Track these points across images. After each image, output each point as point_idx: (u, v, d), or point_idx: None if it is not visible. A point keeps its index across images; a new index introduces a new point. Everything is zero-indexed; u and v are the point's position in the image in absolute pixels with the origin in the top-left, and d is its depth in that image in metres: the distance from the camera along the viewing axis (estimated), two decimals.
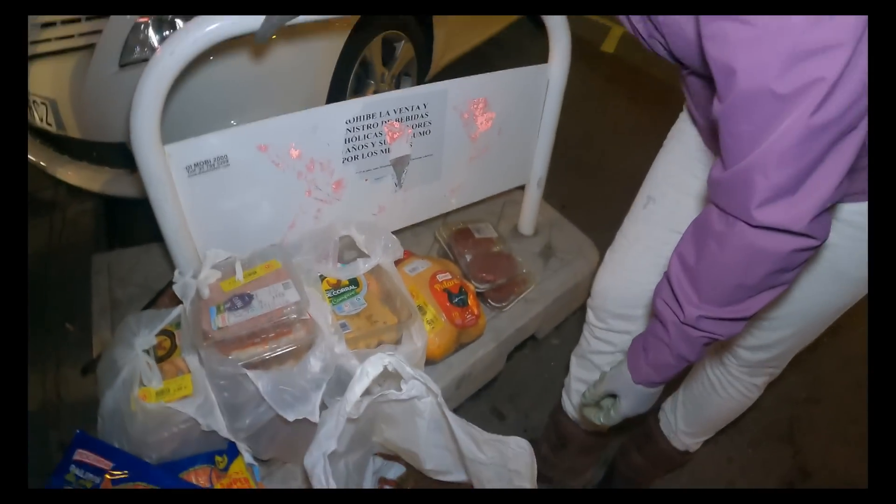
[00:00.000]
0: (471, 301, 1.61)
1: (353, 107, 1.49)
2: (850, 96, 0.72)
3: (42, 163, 2.15)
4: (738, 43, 0.71)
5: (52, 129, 2.02)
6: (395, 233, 1.66)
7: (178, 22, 1.78)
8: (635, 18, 1.02)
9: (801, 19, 0.68)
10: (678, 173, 1.26)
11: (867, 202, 0.98)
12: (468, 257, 1.85)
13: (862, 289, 1.12)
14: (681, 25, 0.88)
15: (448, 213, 1.99)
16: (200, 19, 1.15)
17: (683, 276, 0.90)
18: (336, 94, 2.19)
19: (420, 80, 2.83)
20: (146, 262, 1.90)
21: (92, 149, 2.03)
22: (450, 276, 1.64)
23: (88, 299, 1.82)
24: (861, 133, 0.76)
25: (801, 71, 0.68)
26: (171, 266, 1.42)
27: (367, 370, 1.10)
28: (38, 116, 2.03)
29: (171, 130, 1.41)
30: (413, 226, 1.90)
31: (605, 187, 3.04)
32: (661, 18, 0.92)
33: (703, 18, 0.76)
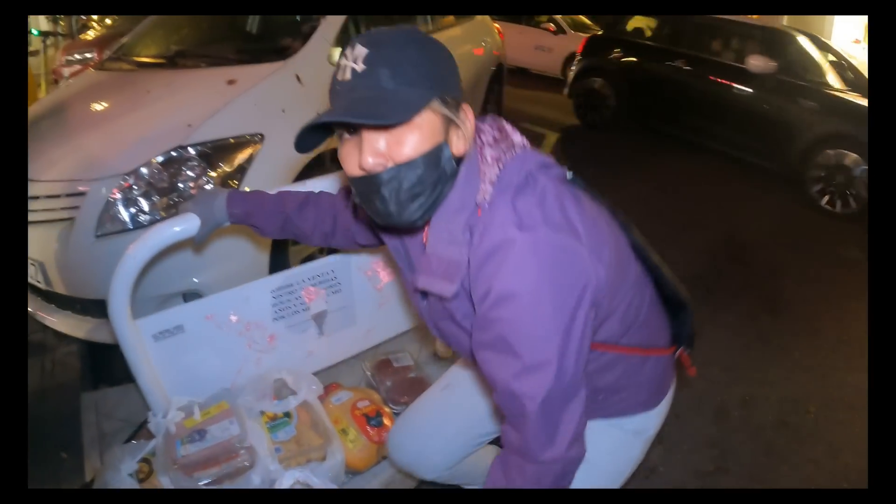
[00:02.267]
0: (386, 421, 2.11)
1: (275, 280, 2.10)
2: None
3: (32, 310, 2.56)
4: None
5: (41, 285, 2.44)
6: (331, 367, 2.22)
7: (142, 200, 2.26)
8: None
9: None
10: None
11: None
12: (388, 384, 2.36)
13: None
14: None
15: (377, 346, 2.52)
16: (155, 229, 1.69)
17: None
18: (278, 248, 2.62)
19: None
20: (127, 400, 2.33)
21: (76, 302, 2.46)
22: (368, 403, 2.16)
23: (79, 432, 2.22)
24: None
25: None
26: (147, 405, 1.94)
27: (283, 484, 1.64)
28: (29, 274, 2.45)
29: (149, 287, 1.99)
30: (347, 359, 2.43)
31: None
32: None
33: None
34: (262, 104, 2.63)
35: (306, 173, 2.66)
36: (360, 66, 0.95)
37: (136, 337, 1.82)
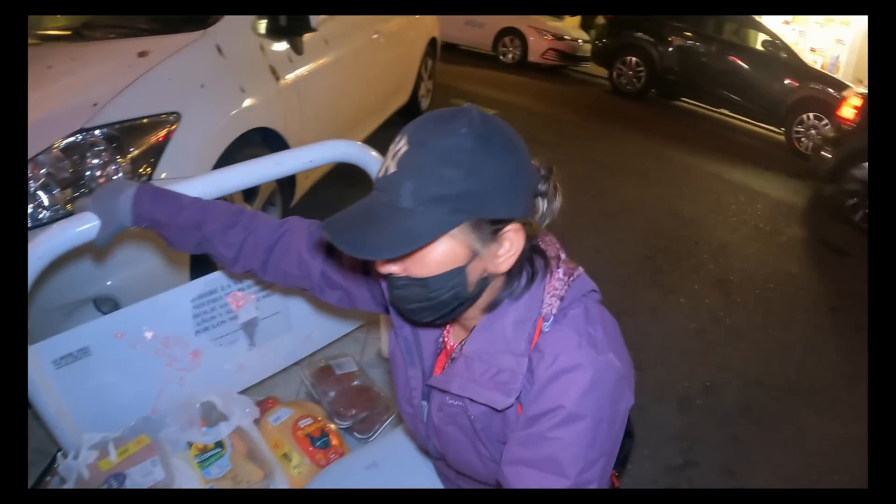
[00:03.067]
0: (333, 441, 1.85)
1: (195, 287, 1.77)
2: None
3: None
4: None
5: None
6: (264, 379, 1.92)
7: (41, 193, 1.94)
8: None
9: None
10: None
11: None
12: (331, 394, 2.09)
13: None
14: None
15: (315, 352, 2.24)
16: (45, 235, 1.37)
17: None
18: None
19: (285, 208, 3.06)
20: (36, 426, 1.96)
21: None
22: (311, 421, 1.87)
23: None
24: None
25: None
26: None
27: None
28: None
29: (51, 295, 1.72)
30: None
31: None
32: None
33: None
34: (178, 79, 2.31)
35: (229, 157, 2.38)
36: (392, 167, 0.89)
37: (34, 365, 1.49)
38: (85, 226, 1.38)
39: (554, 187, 0.99)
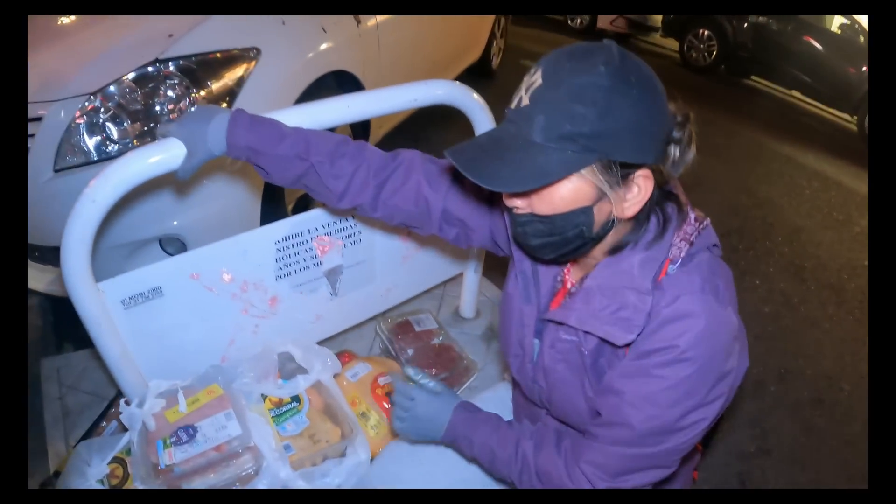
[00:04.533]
0: None
1: (280, 228, 1.64)
2: None
3: None
4: None
5: None
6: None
7: (110, 125, 1.84)
8: None
9: None
10: None
11: None
12: (410, 352, 1.98)
13: None
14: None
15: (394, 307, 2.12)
16: (122, 161, 1.26)
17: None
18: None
19: None
20: (94, 367, 1.97)
21: (34, 249, 2.06)
22: (391, 378, 1.75)
23: (39, 404, 1.88)
24: None
25: None
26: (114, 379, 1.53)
27: None
28: None
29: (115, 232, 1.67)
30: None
31: None
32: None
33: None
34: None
35: (306, 99, 2.24)
36: (525, 100, 0.88)
37: (100, 304, 1.37)
38: (168, 153, 1.26)
39: (689, 136, 0.97)
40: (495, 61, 5.87)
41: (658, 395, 0.94)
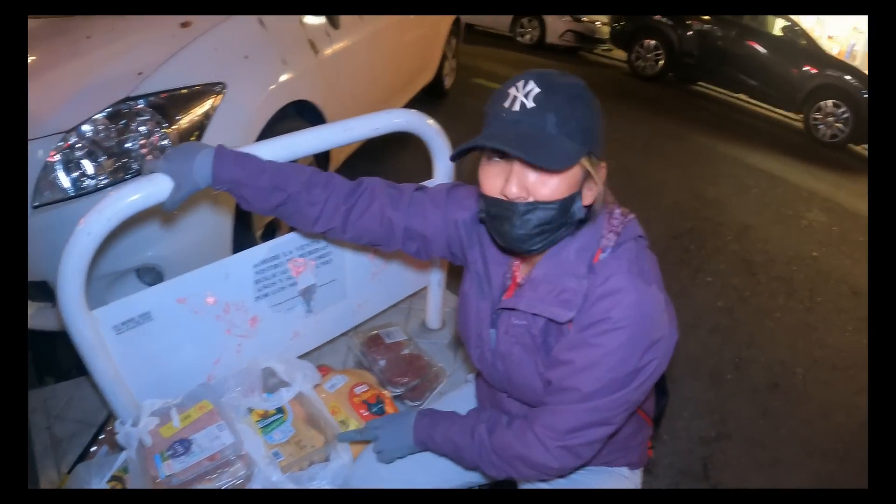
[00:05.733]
0: (388, 408, 1.85)
1: (258, 252, 1.76)
2: None
3: None
4: None
5: None
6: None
7: (85, 162, 1.90)
8: None
9: None
10: None
11: None
12: (381, 363, 2.09)
13: None
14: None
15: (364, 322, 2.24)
16: (113, 196, 1.36)
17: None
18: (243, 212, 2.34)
19: None
20: (79, 396, 2.02)
21: None
22: (366, 388, 1.88)
23: (29, 440, 1.87)
24: None
25: None
26: (104, 402, 1.62)
27: None
28: None
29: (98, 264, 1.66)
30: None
31: None
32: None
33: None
34: (223, 49, 2.27)
35: (270, 129, 2.35)
36: (530, 103, 1.03)
37: (95, 330, 1.48)
38: (156, 187, 1.36)
39: None
40: (448, 81, 6.01)
41: (600, 361, 1.09)
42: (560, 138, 1.03)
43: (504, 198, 1.09)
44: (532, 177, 1.07)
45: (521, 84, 1.05)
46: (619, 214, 1.20)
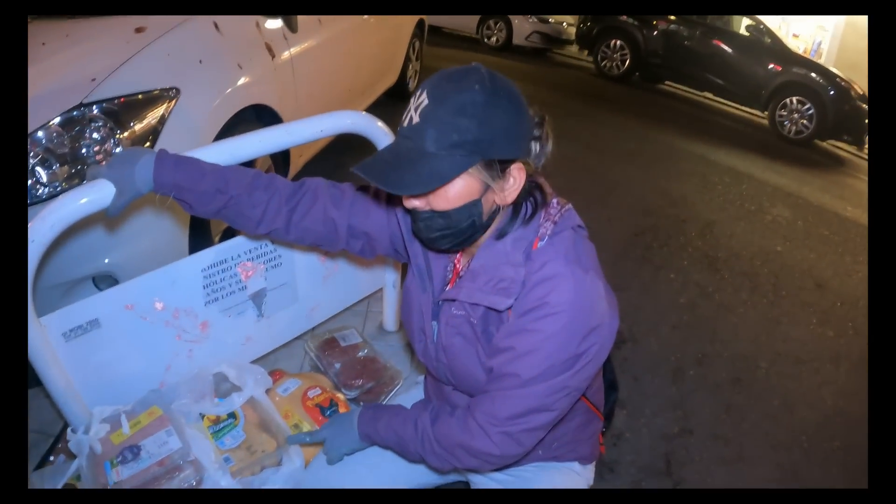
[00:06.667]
0: (342, 410, 1.84)
1: (206, 257, 1.76)
2: None
3: None
4: None
5: None
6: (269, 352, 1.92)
7: (39, 170, 1.87)
8: None
9: None
10: None
11: None
12: (337, 366, 2.09)
13: None
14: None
15: (319, 325, 2.24)
16: (57, 203, 1.35)
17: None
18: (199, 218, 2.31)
19: None
20: (36, 407, 1.98)
21: None
22: (320, 391, 1.88)
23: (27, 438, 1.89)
24: None
25: None
26: (60, 411, 1.60)
27: None
28: None
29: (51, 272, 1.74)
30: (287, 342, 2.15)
31: None
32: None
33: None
34: (177, 55, 2.26)
35: (226, 134, 2.34)
36: (416, 118, 1.05)
37: (43, 338, 1.47)
38: (99, 193, 1.36)
39: (546, 133, 1.16)
40: (412, 84, 6.05)
41: (539, 346, 1.12)
42: (438, 154, 1.04)
43: None
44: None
45: (416, 95, 1.07)
46: (556, 204, 1.23)
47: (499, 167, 1.10)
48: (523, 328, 1.14)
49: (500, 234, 1.19)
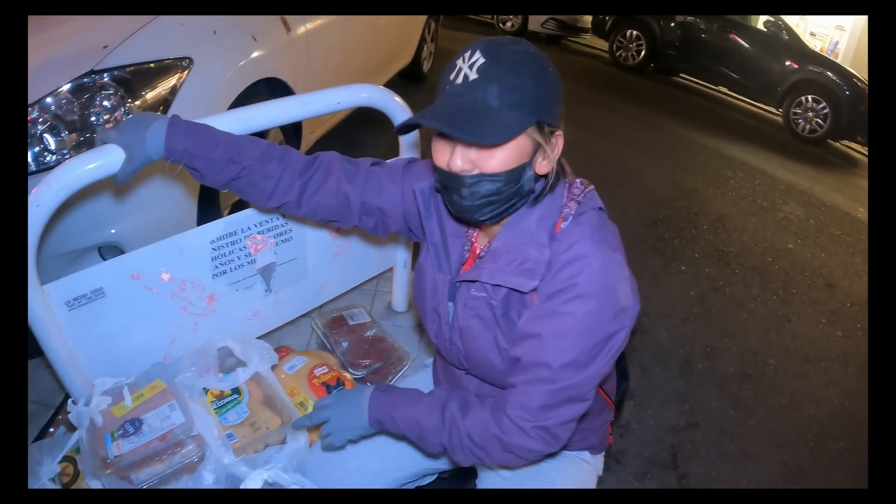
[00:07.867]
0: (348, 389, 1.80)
1: (215, 228, 1.71)
2: None
3: None
4: None
5: None
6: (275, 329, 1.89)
7: (47, 136, 1.85)
8: None
9: None
10: None
11: None
12: (344, 345, 2.05)
13: None
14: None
15: (327, 302, 2.20)
16: (63, 167, 1.31)
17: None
18: (208, 189, 2.30)
19: None
20: (37, 378, 1.96)
21: None
22: (326, 370, 1.85)
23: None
24: None
25: None
26: (61, 382, 1.57)
27: (250, 485, 1.31)
28: None
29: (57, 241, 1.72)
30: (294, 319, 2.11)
31: None
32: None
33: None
34: (191, 24, 2.22)
35: (238, 106, 2.26)
36: (473, 75, 1.02)
37: (46, 306, 1.43)
38: (107, 158, 1.32)
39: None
40: (426, 65, 5.97)
41: (569, 330, 1.08)
42: (501, 110, 1.01)
43: (451, 169, 1.08)
44: (475, 151, 1.06)
45: (467, 55, 1.04)
46: (579, 184, 1.20)
47: (547, 131, 1.09)
48: (552, 311, 1.10)
49: (535, 202, 1.16)
